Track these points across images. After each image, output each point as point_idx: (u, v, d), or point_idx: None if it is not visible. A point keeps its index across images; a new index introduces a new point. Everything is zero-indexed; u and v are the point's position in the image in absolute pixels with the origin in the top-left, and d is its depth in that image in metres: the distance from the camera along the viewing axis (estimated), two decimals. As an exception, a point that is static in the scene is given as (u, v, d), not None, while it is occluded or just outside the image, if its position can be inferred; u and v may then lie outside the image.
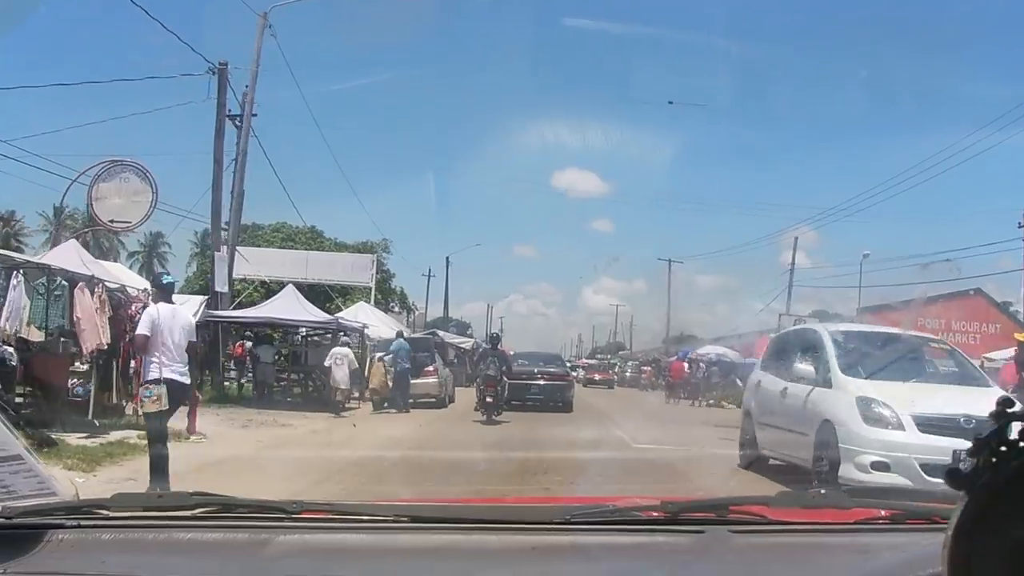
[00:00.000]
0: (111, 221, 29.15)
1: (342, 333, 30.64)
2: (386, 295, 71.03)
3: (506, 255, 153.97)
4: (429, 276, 78.59)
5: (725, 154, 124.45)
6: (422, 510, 2.65)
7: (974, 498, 1.23)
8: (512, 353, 33.68)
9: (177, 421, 17.80)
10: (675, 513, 2.46)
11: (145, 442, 12.67)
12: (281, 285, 49.26)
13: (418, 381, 29.29)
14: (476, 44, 78.92)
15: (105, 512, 2.36)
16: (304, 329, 31.86)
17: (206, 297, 31.22)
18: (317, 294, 46.99)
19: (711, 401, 42.42)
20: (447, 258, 77.00)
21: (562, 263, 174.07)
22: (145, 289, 20.19)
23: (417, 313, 76.19)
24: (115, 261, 70.44)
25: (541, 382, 31.02)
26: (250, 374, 31.31)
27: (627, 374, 70.84)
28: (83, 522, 2.28)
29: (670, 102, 41.97)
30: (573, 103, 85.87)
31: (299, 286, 49.03)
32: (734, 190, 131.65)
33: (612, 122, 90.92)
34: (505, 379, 26.14)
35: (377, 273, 73.93)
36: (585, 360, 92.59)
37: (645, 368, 67.11)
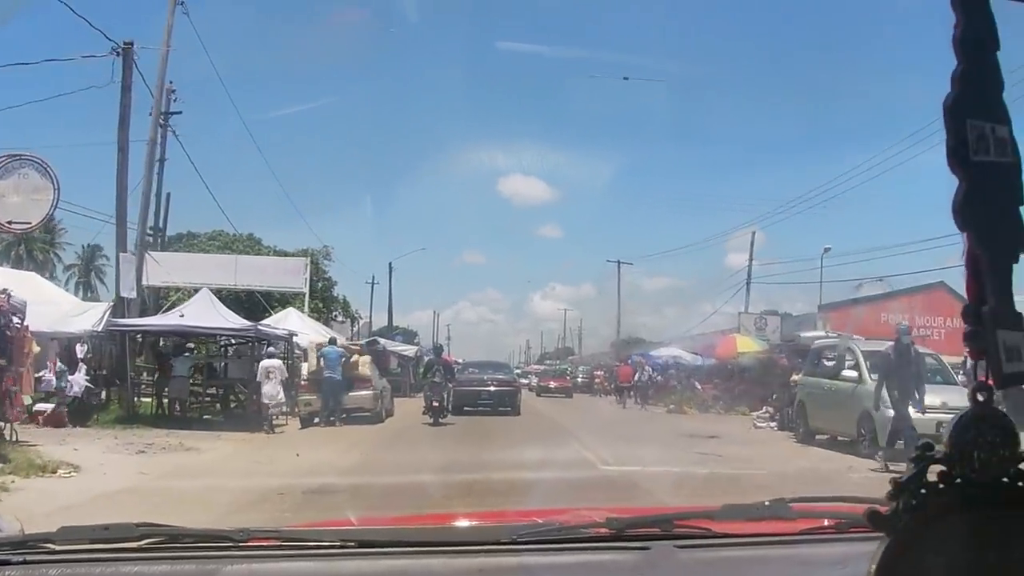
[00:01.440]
0: (8, 223, 25.60)
1: (266, 343, 27.05)
2: (328, 304, 68.07)
3: (453, 263, 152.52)
4: (373, 283, 74.65)
5: (666, 165, 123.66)
6: (369, 534, 2.64)
7: (895, 539, 1.22)
8: (461, 362, 37.50)
9: (57, 447, 16.83)
10: (620, 529, 2.47)
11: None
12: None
13: (350, 394, 25.80)
14: (417, 59, 77.45)
15: (51, 546, 2.32)
16: (225, 339, 27.85)
17: (110, 304, 27.40)
18: (255, 303, 43.49)
19: (671, 406, 38.76)
20: (390, 264, 73.06)
21: (510, 270, 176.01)
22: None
23: (362, 322, 72.47)
24: (50, 276, 67.25)
25: (491, 388, 32.39)
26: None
27: (578, 379, 66.82)
28: (29, 557, 2.25)
29: (625, 78, 39.77)
30: (514, 116, 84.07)
31: (231, 293, 46.63)
32: (679, 195, 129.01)
33: (554, 133, 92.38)
34: (450, 386, 27.74)
35: (318, 280, 71.57)
36: (535, 366, 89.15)
37: (597, 373, 64.24)
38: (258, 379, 24.35)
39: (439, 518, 4.04)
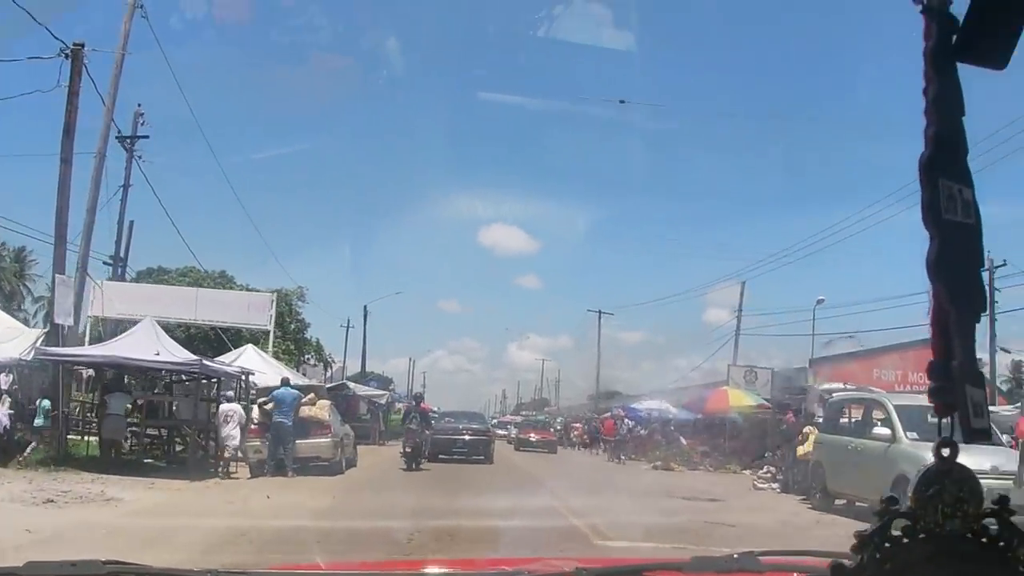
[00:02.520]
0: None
1: (218, 382, 23.94)
2: (300, 346, 65.11)
3: (431, 311, 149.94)
4: (348, 327, 71.32)
5: (646, 217, 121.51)
6: None
7: None
8: (437, 411, 37.68)
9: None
10: None
11: None
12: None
13: (305, 442, 22.58)
14: (398, 106, 76.26)
15: None
16: (169, 374, 24.57)
17: (43, 332, 24.18)
18: (212, 341, 40.32)
19: (656, 463, 35.53)
20: (365, 307, 69.79)
21: (488, 319, 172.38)
22: None
23: (335, 367, 69.06)
24: (19, 307, 63.97)
25: (466, 437, 32.67)
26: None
27: (556, 430, 63.01)
28: None
29: (621, 101, 38.20)
30: (495, 165, 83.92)
31: (199, 331, 43.56)
32: (659, 247, 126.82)
33: (535, 184, 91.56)
34: (427, 433, 28.17)
35: (291, 322, 68.69)
36: (511, 416, 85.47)
37: (575, 425, 60.96)
38: (222, 421, 22.26)
39: (408, 565, 4.22)
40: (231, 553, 10.35)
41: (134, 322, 37.69)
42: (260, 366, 29.11)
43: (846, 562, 1.26)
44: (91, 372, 26.42)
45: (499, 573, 2.75)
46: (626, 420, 43.52)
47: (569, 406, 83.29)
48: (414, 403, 30.73)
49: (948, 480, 1.27)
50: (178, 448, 24.20)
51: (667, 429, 42.51)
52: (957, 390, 1.28)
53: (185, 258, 49.56)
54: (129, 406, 22.68)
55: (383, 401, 46.09)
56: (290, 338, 65.46)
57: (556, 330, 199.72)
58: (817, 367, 46.85)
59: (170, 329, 45.92)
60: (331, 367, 69.25)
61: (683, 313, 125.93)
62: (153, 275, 52.00)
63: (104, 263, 38.70)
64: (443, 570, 3.41)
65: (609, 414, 48.28)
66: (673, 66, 71.34)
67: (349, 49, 65.10)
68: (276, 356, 60.26)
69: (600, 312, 72.08)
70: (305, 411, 22.64)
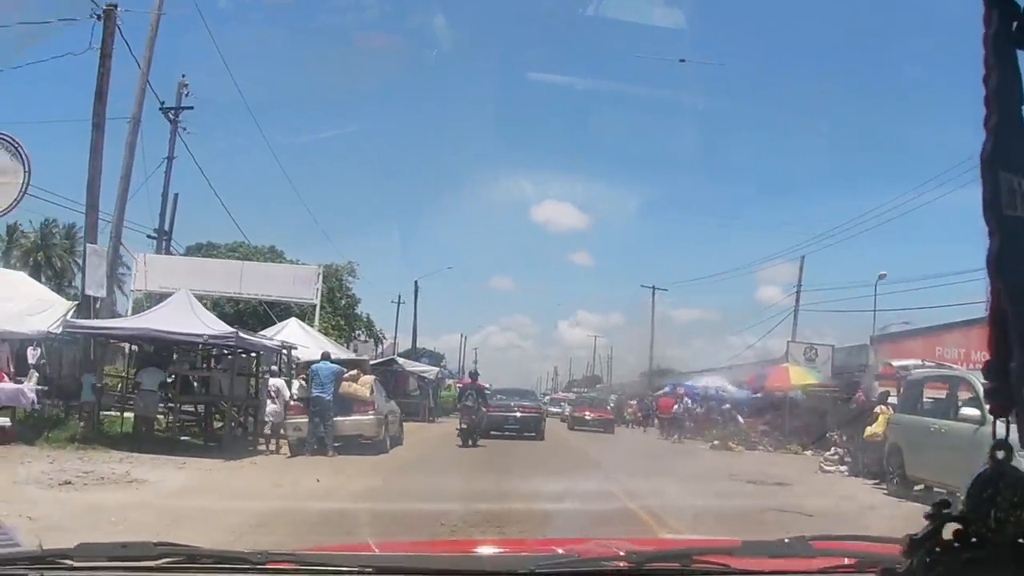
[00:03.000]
0: (-32, 208, 21.54)
1: (257, 356, 22.72)
2: (351, 322, 64.08)
3: (483, 287, 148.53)
4: (399, 303, 70.04)
5: (698, 195, 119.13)
6: (387, 560, 2.58)
7: None
8: (489, 387, 35.86)
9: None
10: (640, 563, 2.38)
11: None
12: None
13: (346, 419, 21.29)
14: (449, 84, 75.14)
15: (69, 563, 2.25)
16: (207, 349, 23.27)
17: (74, 304, 23.02)
18: (261, 316, 39.26)
19: (714, 442, 33.89)
20: (415, 282, 68.42)
21: (539, 296, 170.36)
22: None
23: (387, 343, 67.95)
24: (69, 284, 63.39)
25: (517, 414, 32.74)
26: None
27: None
28: (46, 573, 2.20)
29: (682, 60, 36.33)
30: (545, 143, 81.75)
31: (247, 305, 42.56)
32: (710, 225, 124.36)
33: (586, 161, 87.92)
34: (483, 410, 27.57)
35: (342, 297, 67.69)
36: (563, 393, 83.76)
37: (630, 403, 59.08)
38: (269, 397, 21.96)
39: (459, 545, 4.03)
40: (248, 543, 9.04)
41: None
42: (303, 340, 27.83)
43: (896, 567, 1.25)
44: (134, 347, 25.18)
45: (550, 555, 2.66)
46: (685, 398, 42.00)
47: (621, 383, 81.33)
48: (471, 380, 30.49)
49: (1003, 484, 1.22)
50: (217, 425, 23.00)
51: (724, 407, 40.90)
52: (1015, 392, 1.22)
53: (235, 234, 48.66)
54: (167, 381, 21.37)
55: (433, 377, 44.79)
56: (340, 313, 64.44)
57: (608, 307, 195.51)
58: (878, 344, 44.96)
59: (219, 304, 45.35)
60: (382, 343, 68.19)
61: (735, 291, 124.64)
62: (203, 250, 51.50)
63: (148, 236, 37.72)
64: (493, 550, 3.39)
65: (664, 391, 46.59)
66: (724, 43, 69.02)
67: (397, 28, 63.55)
68: (325, 331, 59.37)
69: (654, 288, 70.14)
70: (347, 387, 21.31)
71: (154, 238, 37.69)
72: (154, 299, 36.43)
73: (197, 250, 50.08)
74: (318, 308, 36.69)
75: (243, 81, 60.27)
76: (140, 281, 35.77)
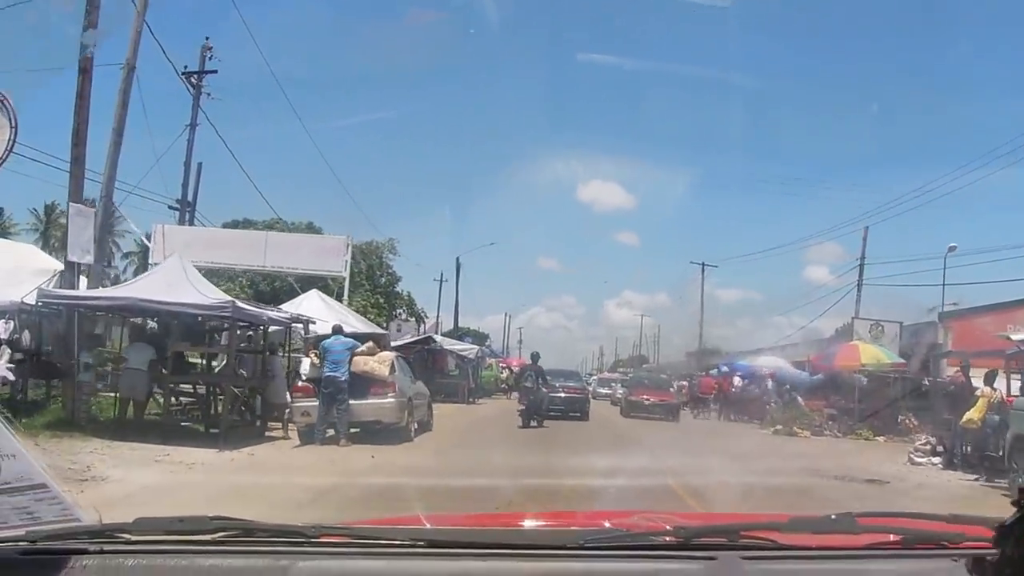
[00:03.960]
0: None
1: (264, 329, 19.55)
2: (391, 300, 61.10)
3: (529, 267, 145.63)
4: (441, 281, 66.64)
5: (744, 176, 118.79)
6: (438, 534, 2.62)
7: None
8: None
9: None
10: (687, 538, 2.37)
11: None
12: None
13: (362, 402, 17.93)
14: (495, 65, 74.57)
15: (127, 536, 2.31)
16: (208, 322, 20.02)
17: (56, 272, 19.86)
18: (291, 291, 36.16)
19: (777, 426, 30.22)
20: (457, 259, 64.96)
21: (586, 276, 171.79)
22: None
23: (429, 322, 64.73)
24: (109, 264, 60.86)
25: (562, 395, 31.68)
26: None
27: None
28: (106, 547, 2.23)
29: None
30: (592, 123, 77.95)
31: (278, 280, 39.63)
32: (756, 206, 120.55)
33: (632, 142, 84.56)
34: (544, 390, 27.35)
35: (382, 275, 64.64)
36: (610, 373, 79.29)
37: (682, 384, 54.57)
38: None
39: (508, 519, 3.94)
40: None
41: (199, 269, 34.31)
42: (324, 314, 24.49)
43: (986, 554, 1.26)
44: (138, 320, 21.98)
45: (598, 530, 2.61)
46: (735, 378, 38.40)
47: (669, 363, 77.71)
48: (531, 361, 29.66)
49: None
50: (228, 409, 19.81)
51: (783, 388, 37.25)
52: None
53: (270, 211, 45.69)
54: (157, 359, 18.14)
55: (473, 356, 41.30)
56: (380, 292, 61.43)
57: (654, 287, 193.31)
58: (947, 321, 41.14)
59: (255, 282, 42.32)
60: (424, 322, 65.11)
61: (783, 271, 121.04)
62: (239, 227, 48.94)
63: (170, 207, 34.67)
64: (543, 526, 3.32)
65: (719, 370, 42.78)
66: (770, 24, 66.30)
67: (443, 4, 60.93)
68: (364, 309, 56.56)
69: (703, 264, 66.21)
70: (362, 365, 17.90)
71: (176, 209, 34.66)
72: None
73: (233, 227, 47.54)
74: (347, 281, 33.35)
75: (284, 58, 58.17)
76: (159, 254, 32.71)
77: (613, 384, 54.33)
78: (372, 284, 61.86)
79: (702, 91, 76.10)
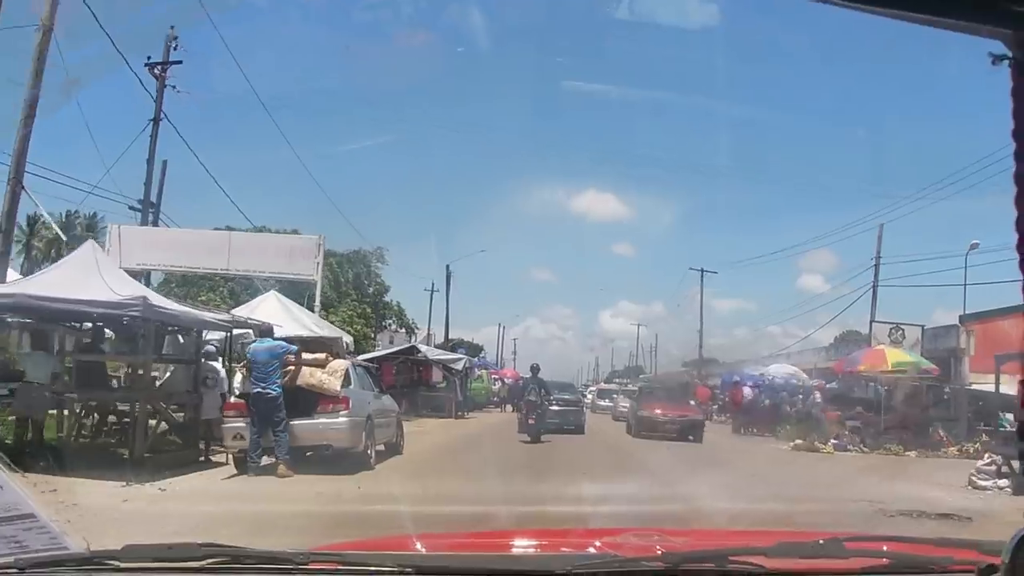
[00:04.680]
0: None
1: (208, 341, 15.91)
2: (379, 310, 57.47)
3: (523, 279, 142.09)
4: (432, 291, 62.87)
5: (730, 211, 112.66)
6: (426, 560, 2.61)
7: None
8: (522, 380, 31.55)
9: None
10: (676, 564, 2.34)
11: None
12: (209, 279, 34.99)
13: (306, 422, 14.18)
14: (483, 84, 68.29)
15: (116, 564, 2.27)
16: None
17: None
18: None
19: (797, 440, 26.55)
20: (447, 267, 61.13)
21: (581, 287, 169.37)
22: None
23: (421, 334, 61.22)
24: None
25: (557, 408, 29.32)
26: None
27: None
28: (94, 574, 2.21)
29: None
30: (583, 143, 79.30)
31: (238, 286, 36.12)
32: (748, 224, 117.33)
33: (624, 163, 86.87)
34: (546, 404, 25.95)
35: (370, 284, 60.93)
36: (605, 384, 74.62)
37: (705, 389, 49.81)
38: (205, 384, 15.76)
39: (498, 539, 3.77)
40: None
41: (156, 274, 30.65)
42: (280, 318, 20.86)
43: (996, 562, 1.26)
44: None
45: (586, 555, 2.58)
46: (743, 388, 34.64)
47: (667, 373, 74.12)
48: (531, 373, 27.22)
49: None
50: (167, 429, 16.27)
51: (795, 398, 33.67)
52: None
53: (259, 219, 42.39)
54: (55, 373, 14.47)
55: (460, 367, 37.53)
56: (368, 301, 57.88)
57: (649, 297, 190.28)
58: (969, 324, 37.61)
59: (216, 284, 38.64)
60: (415, 333, 61.58)
61: (777, 279, 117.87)
62: (221, 235, 45.80)
63: (131, 208, 31.07)
64: (531, 550, 3.20)
65: (726, 380, 39.06)
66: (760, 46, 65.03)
67: (430, 25, 60.68)
68: (351, 320, 53.01)
69: (703, 271, 62.53)
70: (307, 377, 14.20)
71: (138, 210, 31.06)
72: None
73: (215, 235, 44.62)
74: (319, 286, 29.61)
75: (273, 74, 55.86)
76: (115, 257, 29.20)
77: (615, 396, 46.81)
78: (359, 294, 58.39)
79: (690, 112, 74.99)
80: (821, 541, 2.51)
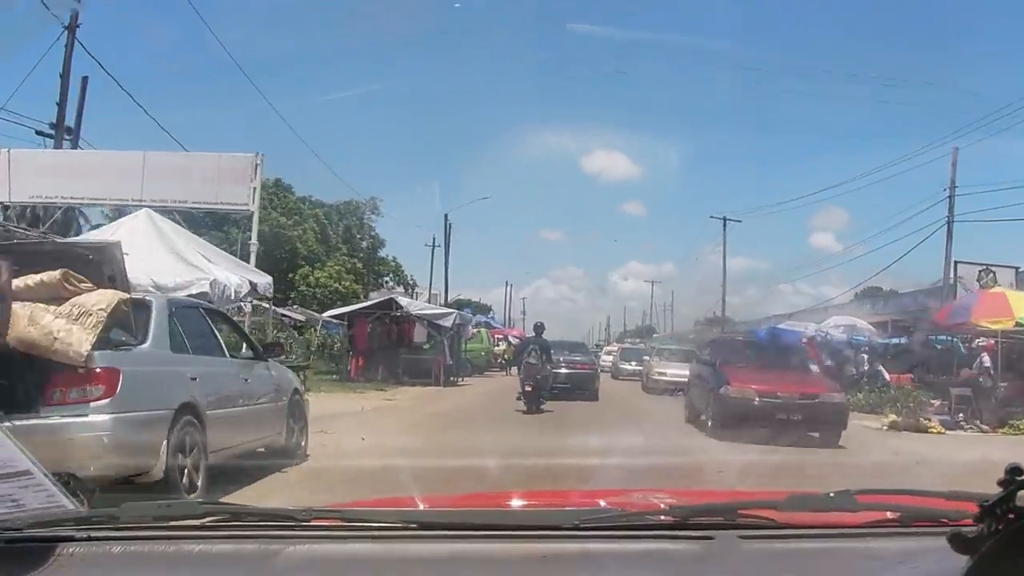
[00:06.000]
0: None
1: None
2: (372, 266, 50.34)
3: (534, 240, 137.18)
4: (433, 246, 55.11)
5: (745, 146, 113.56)
6: (431, 516, 2.40)
7: (977, 563, 1.18)
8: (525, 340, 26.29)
9: None
10: (684, 517, 2.14)
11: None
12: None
13: (23, 423, 6.03)
14: (487, 37, 69.42)
15: (115, 522, 2.05)
16: None
17: None
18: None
19: (893, 418, 18.75)
20: (446, 216, 53.10)
21: (591, 247, 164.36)
22: None
23: (423, 294, 53.90)
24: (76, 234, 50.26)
25: (566, 371, 24.70)
26: None
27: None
28: (93, 534, 1.98)
29: None
30: (589, 96, 78.61)
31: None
32: (760, 176, 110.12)
33: (632, 113, 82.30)
34: (549, 368, 21.28)
35: (362, 238, 54.49)
36: (630, 344, 65.47)
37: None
38: None
39: (502, 499, 3.32)
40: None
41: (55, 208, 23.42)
42: (153, 247, 13.19)
43: (966, 531, 1.18)
44: None
45: (593, 509, 2.37)
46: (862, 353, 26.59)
47: (681, 332, 66.37)
48: (534, 334, 22.59)
49: None
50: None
51: (859, 357, 26.05)
52: None
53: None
54: None
55: (449, 324, 29.38)
56: (360, 256, 50.66)
57: (661, 257, 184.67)
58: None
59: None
60: (414, 291, 54.19)
61: (788, 238, 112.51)
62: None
63: (39, 134, 23.55)
64: (537, 506, 2.97)
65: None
66: None
67: None
68: (339, 276, 45.46)
69: (725, 219, 54.14)
70: (21, 327, 6.41)
71: (48, 136, 23.47)
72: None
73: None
74: (255, 218, 21.87)
75: (266, 32, 57.86)
76: (3, 187, 21.88)
77: (646, 358, 35.57)
78: (351, 248, 51.18)
79: (698, 60, 72.16)
80: (832, 494, 2.20)
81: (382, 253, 54.99)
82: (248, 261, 19.68)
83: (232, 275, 14.37)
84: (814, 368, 17.75)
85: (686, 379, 20.75)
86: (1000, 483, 1.19)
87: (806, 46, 64.78)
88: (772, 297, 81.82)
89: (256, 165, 21.56)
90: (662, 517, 2.18)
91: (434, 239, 54.30)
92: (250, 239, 21.69)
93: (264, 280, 14.12)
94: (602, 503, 2.64)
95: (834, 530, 2.19)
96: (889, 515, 2.22)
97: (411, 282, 56.48)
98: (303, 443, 10.27)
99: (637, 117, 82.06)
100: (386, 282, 54.58)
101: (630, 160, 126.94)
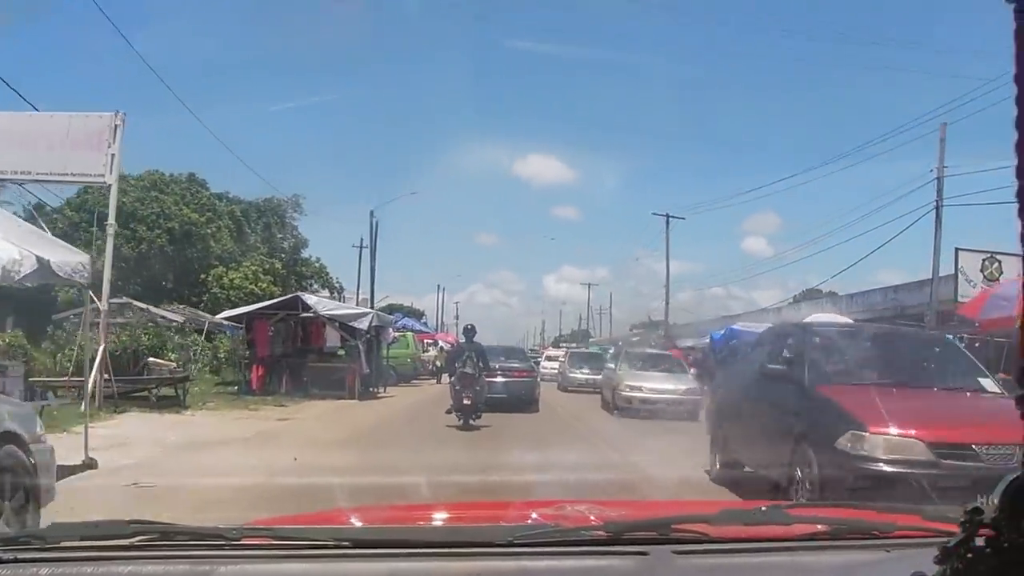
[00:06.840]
0: None
1: None
2: (293, 267, 45.97)
3: (467, 245, 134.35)
4: (361, 247, 50.77)
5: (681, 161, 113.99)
6: (364, 533, 2.34)
7: None
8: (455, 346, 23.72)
9: None
10: (618, 533, 2.13)
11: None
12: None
13: None
14: (422, 49, 67.97)
15: (42, 542, 1.97)
16: None
17: None
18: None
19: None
20: (371, 213, 48.67)
21: (525, 251, 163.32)
22: None
23: (346, 296, 49.77)
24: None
25: (502, 379, 21.74)
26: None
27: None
28: (20, 555, 1.91)
29: None
30: (523, 105, 77.11)
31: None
32: (700, 174, 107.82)
33: (567, 124, 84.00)
34: (484, 377, 18.54)
35: (284, 238, 50.30)
36: (552, 349, 61.31)
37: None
38: None
39: (436, 511, 3.29)
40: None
41: None
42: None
43: (927, 573, 1.16)
44: None
45: (527, 526, 2.28)
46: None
47: (617, 336, 62.84)
48: (464, 339, 19.29)
49: None
50: None
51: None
52: None
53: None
54: None
55: (365, 326, 24.49)
56: (281, 257, 46.01)
57: (593, 262, 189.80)
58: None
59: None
60: (340, 294, 49.65)
61: (722, 242, 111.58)
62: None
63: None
64: (470, 526, 2.61)
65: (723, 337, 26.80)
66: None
67: None
68: (255, 277, 41.09)
69: (668, 216, 50.03)
70: None
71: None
72: None
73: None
74: (114, 191, 17.06)
75: (198, 45, 57.43)
76: None
77: (609, 366, 26.89)
78: (271, 248, 46.46)
79: (629, 74, 71.79)
80: (764, 508, 2.35)
81: (305, 254, 50.48)
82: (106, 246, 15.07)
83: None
84: (988, 384, 8.83)
85: (676, 397, 18.18)
86: (960, 524, 1.10)
87: (737, 59, 63.86)
88: (705, 301, 79.71)
89: (115, 127, 16.80)
90: (597, 532, 2.14)
91: (361, 240, 49.91)
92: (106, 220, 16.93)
93: (71, 259, 9.48)
94: (535, 515, 2.58)
95: (767, 544, 2.13)
96: (820, 528, 2.18)
97: (337, 285, 51.88)
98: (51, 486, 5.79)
99: (571, 123, 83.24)
100: (310, 284, 49.93)
101: (564, 164, 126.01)
